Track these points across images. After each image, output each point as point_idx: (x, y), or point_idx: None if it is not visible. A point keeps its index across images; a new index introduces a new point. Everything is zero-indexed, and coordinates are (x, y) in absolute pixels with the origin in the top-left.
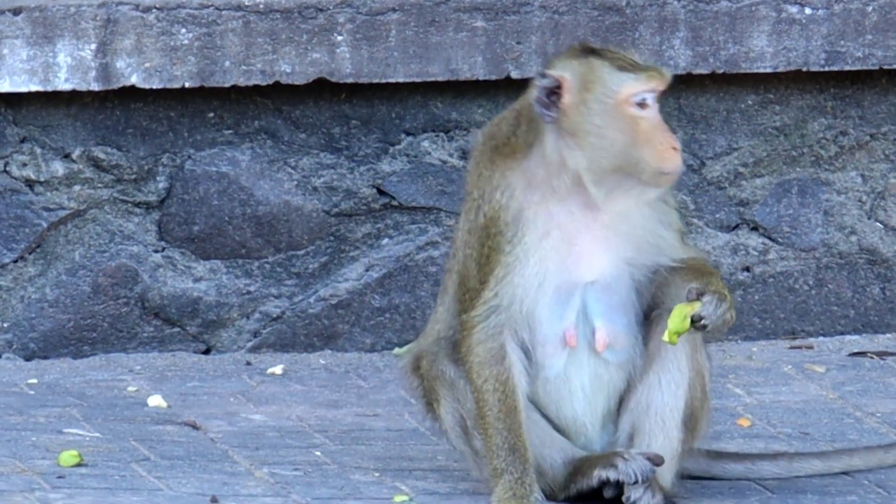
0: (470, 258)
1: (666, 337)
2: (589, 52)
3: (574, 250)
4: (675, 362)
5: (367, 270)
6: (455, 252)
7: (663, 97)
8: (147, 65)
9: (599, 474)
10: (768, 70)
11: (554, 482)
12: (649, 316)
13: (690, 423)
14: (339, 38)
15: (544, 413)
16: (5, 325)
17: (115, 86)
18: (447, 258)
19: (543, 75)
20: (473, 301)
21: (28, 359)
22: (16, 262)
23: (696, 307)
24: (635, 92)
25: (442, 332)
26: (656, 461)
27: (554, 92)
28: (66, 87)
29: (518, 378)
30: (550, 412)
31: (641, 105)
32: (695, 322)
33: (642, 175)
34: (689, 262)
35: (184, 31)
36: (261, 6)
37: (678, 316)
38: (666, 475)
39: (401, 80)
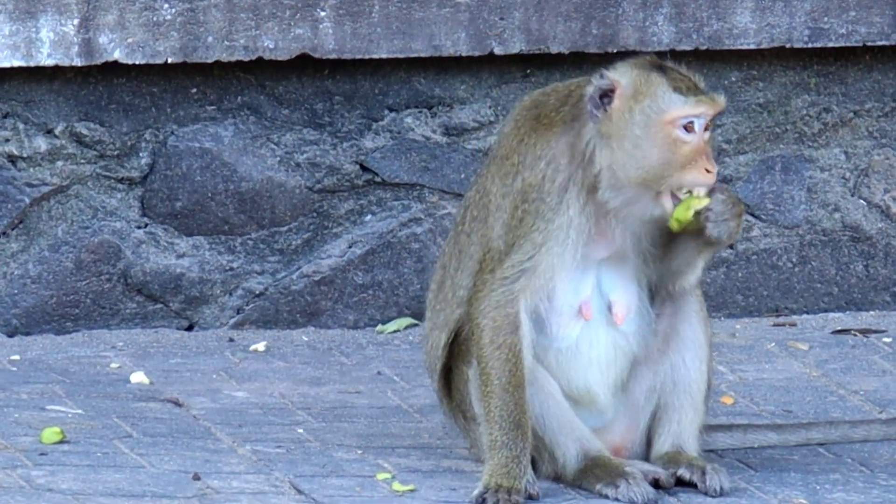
0: (498, 220)
1: (670, 223)
2: (655, 66)
3: (594, 228)
4: (693, 338)
5: (350, 247)
6: (482, 215)
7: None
8: (130, 40)
9: (602, 490)
10: (752, 47)
11: (563, 470)
12: (656, 294)
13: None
14: (322, 13)
15: (558, 383)
16: None
17: (98, 61)
18: (465, 224)
19: (602, 75)
20: (495, 263)
21: (10, 335)
22: None
23: (706, 202)
24: (683, 115)
25: (466, 297)
26: (664, 484)
27: (606, 94)
28: (49, 62)
29: (526, 351)
30: (561, 383)
31: (687, 128)
32: (700, 215)
33: (662, 194)
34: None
35: (166, 6)
36: None
37: (684, 205)
38: (694, 448)
39: (384, 56)
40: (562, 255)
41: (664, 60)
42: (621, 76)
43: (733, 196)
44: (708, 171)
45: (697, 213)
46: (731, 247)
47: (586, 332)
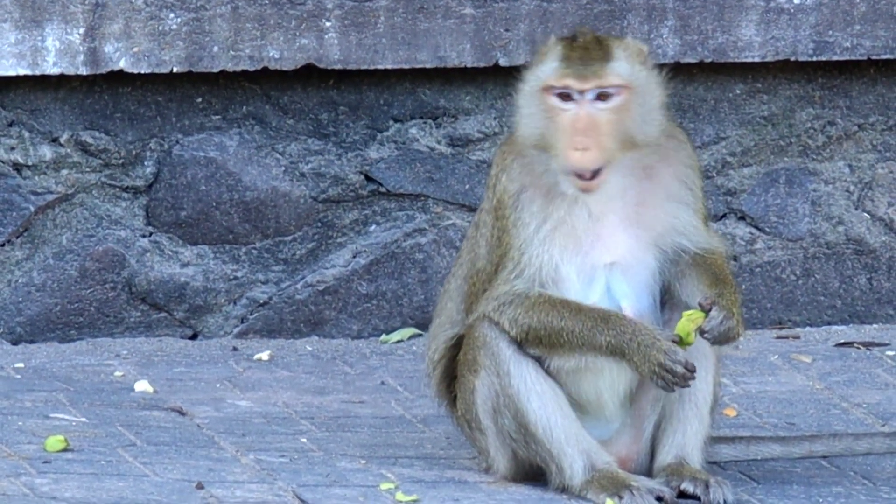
0: (482, 237)
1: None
2: (568, 37)
3: (588, 233)
4: (699, 349)
5: (354, 257)
6: (475, 232)
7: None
8: (135, 49)
9: (606, 500)
10: (756, 59)
11: (570, 482)
12: (665, 300)
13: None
14: (328, 24)
15: (566, 391)
16: None
17: (104, 70)
18: (469, 230)
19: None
20: (485, 283)
21: (15, 343)
22: (3, 245)
23: (700, 321)
24: (550, 84)
25: (454, 314)
26: (668, 502)
27: None
28: (55, 71)
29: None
30: (571, 391)
31: (563, 97)
32: (700, 333)
33: (556, 163)
34: (708, 259)
35: (172, 15)
36: None
37: (684, 329)
38: (698, 460)
39: (389, 66)
40: (539, 265)
41: (582, 30)
42: (534, 52)
43: (726, 308)
44: (581, 149)
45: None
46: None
47: None
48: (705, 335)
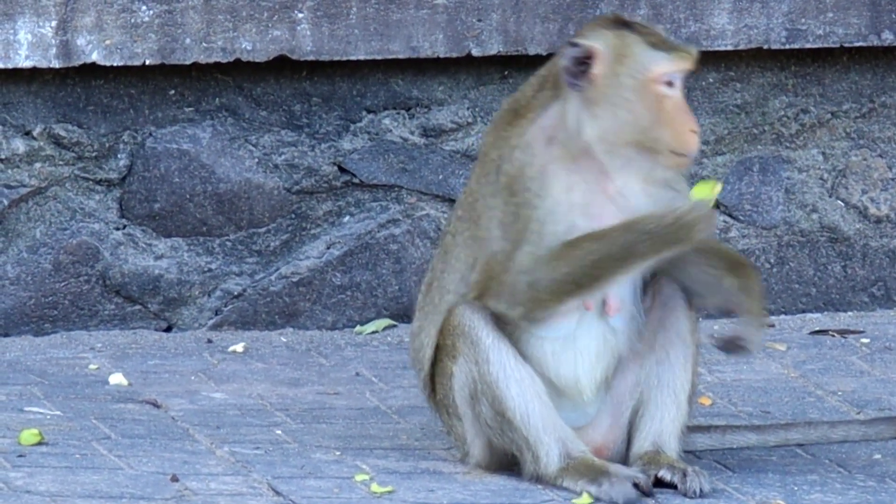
0: (492, 221)
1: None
2: (622, 24)
3: (588, 212)
4: (680, 336)
5: (328, 248)
6: (468, 216)
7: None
8: (108, 42)
9: (583, 487)
10: (729, 48)
11: (545, 470)
12: (648, 284)
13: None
14: (300, 15)
15: (544, 374)
16: None
17: (76, 63)
18: (451, 224)
19: (574, 44)
20: (506, 263)
21: None
22: None
23: (719, 188)
24: (667, 71)
25: (453, 301)
26: (644, 489)
27: (583, 61)
28: (27, 64)
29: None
30: (551, 374)
31: (669, 84)
32: (733, 342)
33: (658, 152)
34: (711, 243)
35: (144, 7)
36: None
37: (703, 189)
38: (674, 448)
39: (362, 57)
40: (556, 235)
41: (624, 16)
42: (596, 41)
43: (760, 318)
44: (693, 131)
45: (732, 341)
46: None
47: (583, 322)
48: (744, 345)
